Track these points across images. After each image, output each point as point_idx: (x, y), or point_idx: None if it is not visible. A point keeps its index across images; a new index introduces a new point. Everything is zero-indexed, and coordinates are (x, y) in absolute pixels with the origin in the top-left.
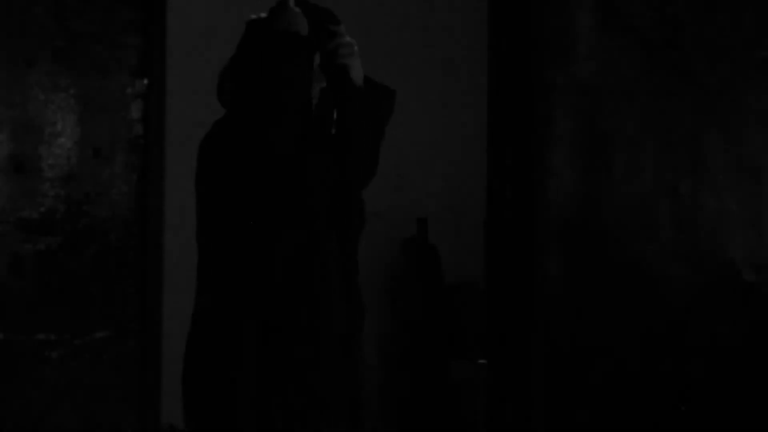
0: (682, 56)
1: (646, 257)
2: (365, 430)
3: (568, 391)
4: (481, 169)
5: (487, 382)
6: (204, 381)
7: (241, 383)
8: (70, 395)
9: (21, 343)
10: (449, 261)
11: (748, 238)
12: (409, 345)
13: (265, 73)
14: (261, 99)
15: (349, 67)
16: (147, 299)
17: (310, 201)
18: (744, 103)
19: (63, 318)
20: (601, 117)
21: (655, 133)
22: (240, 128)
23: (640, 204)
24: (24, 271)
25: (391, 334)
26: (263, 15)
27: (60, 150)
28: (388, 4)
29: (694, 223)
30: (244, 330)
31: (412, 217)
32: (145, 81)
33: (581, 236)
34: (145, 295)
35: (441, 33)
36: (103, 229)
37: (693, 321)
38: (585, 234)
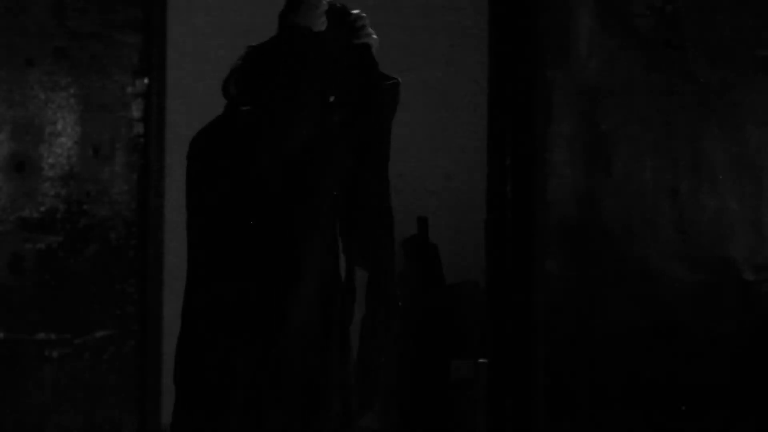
0: (682, 56)
1: (646, 257)
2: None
3: (568, 391)
4: (481, 169)
5: (487, 381)
6: (202, 376)
7: (238, 378)
8: (70, 395)
9: (21, 343)
10: (450, 260)
11: (749, 238)
12: (409, 344)
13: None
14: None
15: (371, 45)
16: (147, 299)
17: (315, 200)
18: (744, 103)
19: (63, 318)
20: (602, 116)
21: (655, 132)
22: (244, 124)
23: (640, 204)
24: (24, 271)
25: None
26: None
27: (60, 149)
28: (389, 3)
29: (694, 223)
30: (244, 326)
31: (412, 217)
32: (146, 80)
33: (581, 236)
34: (145, 295)
35: (441, 33)
36: (103, 229)
37: (693, 320)
38: (585, 234)
